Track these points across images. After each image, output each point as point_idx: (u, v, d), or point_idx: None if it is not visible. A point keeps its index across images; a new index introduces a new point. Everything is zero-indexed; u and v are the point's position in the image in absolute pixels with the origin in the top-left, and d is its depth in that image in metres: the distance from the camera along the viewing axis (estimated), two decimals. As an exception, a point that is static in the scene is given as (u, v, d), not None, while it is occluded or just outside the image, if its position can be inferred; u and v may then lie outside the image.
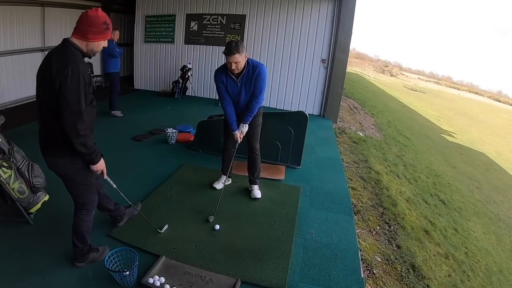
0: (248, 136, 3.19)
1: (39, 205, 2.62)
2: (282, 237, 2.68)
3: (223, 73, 2.96)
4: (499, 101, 43.30)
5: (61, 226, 2.60)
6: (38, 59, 7.04)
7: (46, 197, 2.71)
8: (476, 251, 4.24)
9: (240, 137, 3.12)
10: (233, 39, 3.01)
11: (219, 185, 3.45)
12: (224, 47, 2.79)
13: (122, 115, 6.16)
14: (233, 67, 2.80)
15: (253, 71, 2.90)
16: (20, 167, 2.53)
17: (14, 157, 2.52)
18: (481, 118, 21.97)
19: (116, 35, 6.02)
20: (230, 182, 3.56)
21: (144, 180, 3.55)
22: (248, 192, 3.37)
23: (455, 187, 6.75)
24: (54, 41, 7.23)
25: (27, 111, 6.08)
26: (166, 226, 2.64)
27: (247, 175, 3.40)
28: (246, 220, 2.90)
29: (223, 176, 3.45)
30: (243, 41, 7.27)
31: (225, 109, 3.09)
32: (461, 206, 5.73)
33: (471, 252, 4.11)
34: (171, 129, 4.75)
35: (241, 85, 2.96)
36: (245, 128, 3.11)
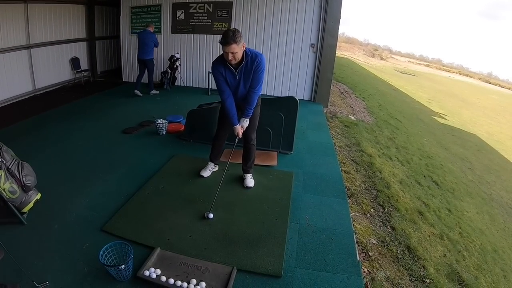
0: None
1: (31, 204, 2.60)
2: (276, 223, 2.68)
3: (221, 65, 2.81)
4: (489, 83, 43.65)
5: (55, 223, 2.59)
6: (24, 57, 6.96)
7: (38, 196, 2.69)
8: (470, 231, 4.29)
9: (241, 132, 3.04)
10: (230, 28, 2.85)
11: (206, 173, 3.42)
12: (221, 37, 2.65)
13: (158, 92, 7.33)
14: (230, 57, 2.65)
15: (252, 62, 2.76)
16: (10, 167, 2.49)
17: (3, 157, 2.48)
18: (472, 100, 22.11)
19: (152, 27, 7.03)
20: (217, 169, 3.53)
21: (135, 172, 3.52)
22: (241, 180, 3.34)
23: (448, 168, 6.79)
24: (39, 38, 7.26)
25: (14, 111, 6.01)
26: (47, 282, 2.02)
27: (240, 163, 3.37)
28: (240, 208, 2.89)
29: (210, 163, 3.44)
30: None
31: (224, 102, 2.94)
32: (454, 187, 5.78)
33: (465, 232, 4.15)
34: (161, 120, 4.69)
35: (240, 77, 2.84)
36: (246, 122, 3.02)
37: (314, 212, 2.93)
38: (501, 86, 42.16)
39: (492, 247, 4.18)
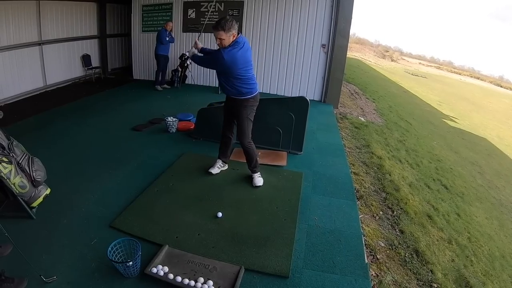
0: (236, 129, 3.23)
1: (40, 199, 2.60)
2: (285, 224, 2.67)
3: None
4: (501, 86, 43.00)
5: (64, 218, 2.61)
6: (35, 53, 7.04)
7: (48, 191, 2.69)
8: (478, 236, 4.23)
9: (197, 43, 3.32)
10: (228, 17, 2.93)
11: (215, 170, 3.43)
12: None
13: (162, 89, 7.58)
14: (217, 42, 2.84)
15: None
16: (20, 162, 2.50)
17: (14, 152, 2.50)
18: (483, 103, 21.81)
19: (168, 26, 7.30)
20: (226, 167, 3.54)
21: (145, 169, 3.54)
22: (250, 178, 3.34)
23: (457, 172, 6.71)
24: (51, 35, 7.34)
25: (25, 106, 6.08)
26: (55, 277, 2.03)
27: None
28: (249, 207, 2.88)
29: (218, 160, 3.45)
30: (241, 28, 7.17)
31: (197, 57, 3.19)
32: (464, 191, 5.71)
33: (474, 237, 4.10)
34: (171, 117, 4.71)
35: None
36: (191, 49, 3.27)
37: (323, 213, 2.92)
38: (512, 90, 41.50)
39: (501, 253, 4.12)
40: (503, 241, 4.66)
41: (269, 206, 2.91)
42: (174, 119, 4.69)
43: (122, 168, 3.56)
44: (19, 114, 5.36)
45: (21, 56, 6.64)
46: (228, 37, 2.80)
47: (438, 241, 3.43)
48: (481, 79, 46.74)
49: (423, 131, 9.08)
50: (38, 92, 7.10)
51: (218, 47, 2.91)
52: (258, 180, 3.28)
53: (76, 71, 8.39)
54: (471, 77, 47.26)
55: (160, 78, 7.58)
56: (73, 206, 2.78)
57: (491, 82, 45.63)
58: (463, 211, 4.79)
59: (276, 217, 2.75)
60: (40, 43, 7.12)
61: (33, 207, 2.59)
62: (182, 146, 4.23)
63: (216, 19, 7.91)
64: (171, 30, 7.37)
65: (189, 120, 5.00)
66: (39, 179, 2.58)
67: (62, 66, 7.90)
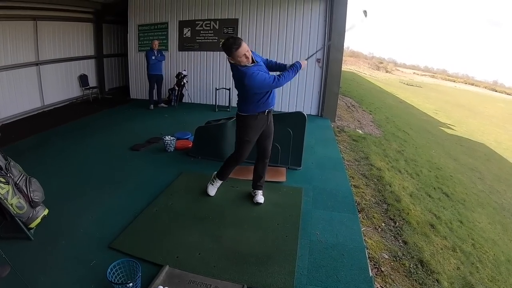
0: (267, 139, 3.14)
1: (38, 220, 2.59)
2: (287, 240, 2.64)
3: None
4: (496, 91, 43.42)
5: (62, 240, 2.58)
6: (33, 73, 7.10)
7: (46, 211, 2.68)
8: (483, 242, 4.21)
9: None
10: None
11: (213, 192, 3.35)
12: (226, 48, 2.69)
13: (152, 108, 7.57)
14: (247, 56, 2.70)
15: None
16: (17, 182, 2.50)
17: (11, 172, 2.49)
18: (479, 109, 22.00)
19: (154, 44, 7.31)
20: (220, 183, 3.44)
21: (143, 189, 3.52)
22: (250, 196, 3.32)
23: (458, 179, 6.72)
24: (48, 55, 7.39)
25: (23, 126, 6.09)
26: None
27: (249, 179, 3.34)
28: (250, 225, 2.86)
29: (219, 181, 3.33)
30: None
31: (281, 80, 2.81)
32: (465, 198, 5.70)
33: (478, 244, 4.07)
34: (169, 136, 4.70)
35: None
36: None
37: (324, 228, 2.89)
38: (507, 94, 41.91)
39: (506, 258, 4.09)
40: (508, 245, 4.64)
41: (270, 223, 2.89)
42: (171, 138, 4.69)
43: (121, 188, 3.55)
44: (16, 134, 5.38)
45: (19, 76, 6.70)
46: None
47: (442, 249, 3.40)
48: (475, 85, 47.19)
49: (421, 140, 9.12)
50: (35, 112, 7.13)
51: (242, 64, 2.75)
52: (261, 197, 3.24)
53: (73, 91, 8.45)
54: (466, 83, 47.74)
55: (153, 97, 7.60)
56: (71, 227, 2.75)
57: (485, 88, 46.07)
58: (465, 218, 4.78)
59: (278, 234, 2.72)
60: (37, 63, 7.20)
61: (31, 228, 2.57)
62: (181, 165, 4.21)
63: (211, 38, 8.03)
64: (158, 49, 7.41)
65: (187, 139, 5.00)
66: (37, 200, 2.58)
67: (60, 86, 7.95)
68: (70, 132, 5.69)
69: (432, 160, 7.32)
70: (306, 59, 3.11)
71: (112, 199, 3.28)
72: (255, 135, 3.02)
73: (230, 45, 2.66)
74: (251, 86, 2.72)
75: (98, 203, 3.18)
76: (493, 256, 3.94)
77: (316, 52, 3.86)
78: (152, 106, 7.61)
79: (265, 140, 3.13)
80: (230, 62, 2.81)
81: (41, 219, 2.61)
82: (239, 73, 2.74)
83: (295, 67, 2.90)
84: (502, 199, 6.74)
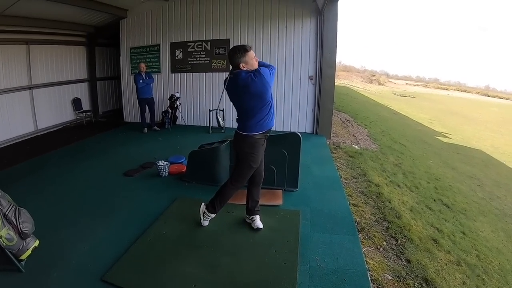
0: (262, 163, 3.05)
1: (29, 252, 2.53)
2: (285, 267, 2.55)
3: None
4: (488, 96, 44.12)
5: (54, 271, 2.51)
6: (26, 97, 7.12)
7: (36, 243, 2.61)
8: (487, 251, 4.14)
9: None
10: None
11: (207, 222, 3.19)
12: (239, 50, 2.68)
13: (146, 131, 7.45)
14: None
15: None
16: (6, 213, 2.45)
17: (0, 203, 2.45)
18: (473, 115, 22.21)
19: (141, 67, 7.18)
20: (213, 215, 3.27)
21: (137, 217, 3.44)
22: (245, 222, 3.23)
23: (457, 189, 6.67)
24: (41, 79, 7.40)
25: (16, 151, 6.07)
26: None
27: (243, 203, 3.23)
28: (246, 252, 2.76)
29: (212, 214, 3.13)
30: (227, 65, 7.29)
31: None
32: (466, 207, 5.65)
33: (483, 254, 4.01)
34: (162, 161, 4.63)
35: None
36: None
37: (324, 252, 2.81)
38: (499, 98, 42.56)
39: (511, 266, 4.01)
40: None
41: (268, 250, 2.79)
42: (165, 162, 4.62)
43: (113, 216, 3.47)
44: (9, 160, 5.35)
45: (12, 101, 6.70)
46: None
47: (446, 265, 3.31)
48: (468, 92, 47.96)
49: (418, 151, 9.11)
50: (29, 137, 7.11)
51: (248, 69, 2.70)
52: (260, 222, 3.14)
53: (67, 115, 8.45)
54: (458, 90, 48.49)
55: (145, 120, 7.51)
56: (63, 258, 2.68)
57: (478, 93, 46.83)
58: (468, 228, 4.71)
59: (276, 261, 2.63)
60: (30, 87, 7.22)
61: (22, 260, 2.52)
62: (175, 190, 4.13)
63: (203, 59, 8.07)
64: (147, 71, 7.31)
65: (181, 163, 4.92)
66: (27, 231, 2.52)
67: (53, 110, 7.95)
68: (63, 157, 5.65)
69: (430, 171, 7.28)
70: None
71: (105, 228, 3.20)
72: (260, 160, 2.94)
73: (243, 46, 2.68)
74: (268, 80, 2.64)
75: (90, 233, 3.10)
76: (499, 265, 3.88)
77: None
78: (145, 129, 7.49)
79: (261, 165, 3.05)
80: (239, 70, 2.69)
81: (32, 250, 2.55)
82: (247, 78, 2.63)
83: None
84: (503, 204, 6.67)
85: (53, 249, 2.77)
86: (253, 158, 2.84)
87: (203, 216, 3.15)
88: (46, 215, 3.29)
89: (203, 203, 3.18)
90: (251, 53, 2.68)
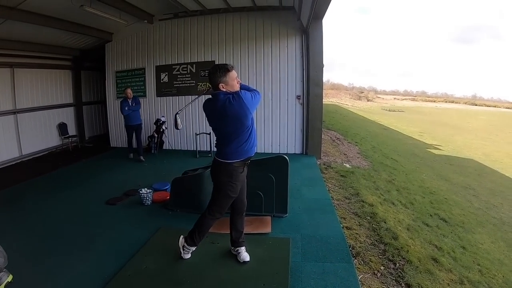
0: (243, 191, 2.86)
1: (2, 287, 2.43)
2: (275, 303, 2.34)
3: None
4: (476, 105, 45.16)
5: None
6: (10, 122, 7.00)
7: (10, 278, 2.50)
8: (489, 265, 4.04)
9: None
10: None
11: (188, 256, 2.99)
12: (220, 69, 2.50)
13: (131, 157, 7.12)
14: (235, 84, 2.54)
15: None
16: None
17: None
18: (462, 125, 22.65)
19: (127, 93, 6.75)
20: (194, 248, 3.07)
21: (117, 249, 3.25)
22: (231, 253, 3.02)
23: (453, 201, 6.61)
24: (26, 103, 7.25)
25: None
26: None
27: (228, 232, 3.01)
28: (232, 288, 2.54)
29: (192, 247, 2.95)
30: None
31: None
32: (463, 220, 5.58)
33: (485, 268, 3.89)
34: (146, 189, 4.45)
35: None
36: None
37: (317, 284, 2.63)
38: (487, 106, 43.56)
39: None
40: None
41: (255, 284, 2.59)
42: (148, 190, 4.43)
43: (93, 248, 3.30)
44: None
45: (-5, 125, 6.57)
46: None
47: (449, 285, 3.18)
48: (456, 102, 49.02)
49: (411, 166, 9.11)
50: (13, 162, 6.96)
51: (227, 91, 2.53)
52: (246, 254, 2.92)
53: (52, 140, 8.31)
54: (446, 102, 49.52)
55: (132, 145, 7.10)
56: None
57: (465, 103, 47.89)
58: (467, 242, 4.63)
59: (265, 297, 2.42)
60: (15, 112, 7.10)
61: None
62: (158, 219, 3.93)
63: (189, 82, 7.96)
64: (132, 97, 6.82)
65: (166, 190, 4.74)
66: None
67: (38, 135, 7.81)
68: (46, 185, 5.52)
69: (424, 185, 7.24)
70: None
71: (83, 262, 3.03)
72: (239, 189, 2.74)
73: (225, 65, 2.51)
74: (248, 105, 2.46)
75: (67, 267, 2.92)
76: (502, 278, 3.78)
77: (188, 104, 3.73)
78: (131, 154, 7.17)
79: (242, 193, 2.86)
80: (217, 91, 2.53)
81: (5, 286, 2.45)
82: (232, 100, 2.46)
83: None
84: (501, 213, 6.62)
85: (28, 285, 2.62)
86: (230, 187, 2.64)
87: (183, 249, 2.94)
88: (22, 248, 3.15)
89: (181, 236, 2.97)
90: (233, 74, 2.51)
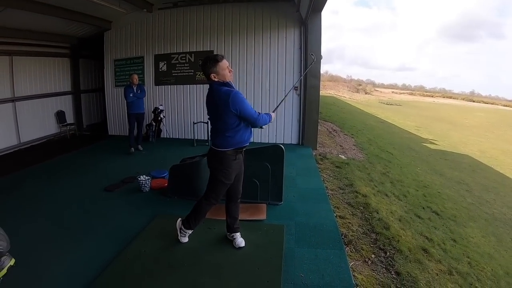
0: (239, 180, 2.95)
1: (4, 271, 2.48)
2: (268, 286, 2.44)
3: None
4: (473, 101, 45.13)
5: None
6: (8, 110, 6.98)
7: (12, 261, 2.55)
8: (478, 258, 4.11)
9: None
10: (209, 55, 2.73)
11: (186, 239, 3.09)
12: (210, 60, 2.60)
13: (133, 151, 6.72)
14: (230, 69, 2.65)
15: None
16: None
17: None
18: (459, 121, 22.62)
19: (133, 79, 6.47)
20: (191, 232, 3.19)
21: (116, 235, 3.31)
22: (227, 238, 3.10)
23: (446, 195, 6.67)
24: (24, 91, 7.24)
25: None
26: None
27: (224, 219, 3.10)
28: (228, 271, 2.64)
29: (189, 231, 3.04)
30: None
31: (261, 117, 2.74)
32: (455, 214, 5.64)
33: (474, 261, 3.97)
34: (144, 176, 4.50)
35: None
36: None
37: (309, 268, 2.71)
38: (484, 103, 43.57)
39: (504, 271, 3.99)
40: (504, 256, 4.56)
41: (250, 268, 2.68)
42: (146, 177, 4.49)
43: (92, 233, 3.36)
44: None
45: (-7, 113, 6.56)
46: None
47: (438, 275, 3.24)
48: (453, 98, 48.95)
49: (405, 159, 9.14)
50: (12, 150, 6.96)
51: (221, 80, 2.63)
52: (241, 240, 3.02)
53: (50, 128, 8.31)
54: (444, 97, 49.42)
55: (133, 139, 6.76)
56: (40, 278, 2.58)
57: (463, 99, 47.83)
58: (458, 235, 4.69)
59: (259, 280, 2.52)
60: (13, 100, 7.08)
61: None
62: (156, 206, 4.00)
63: (187, 71, 7.94)
64: (138, 84, 6.57)
65: (164, 177, 4.79)
66: (1, 250, 2.45)
67: (36, 123, 7.81)
68: (44, 172, 5.53)
69: (418, 178, 7.29)
70: (273, 111, 3.06)
71: (83, 246, 3.09)
72: (234, 176, 2.82)
73: (215, 56, 2.60)
74: (236, 108, 2.54)
75: (68, 251, 2.98)
76: (491, 271, 3.84)
77: (282, 101, 3.76)
78: (132, 149, 6.74)
79: (238, 182, 2.94)
80: (211, 81, 2.63)
81: (7, 269, 2.49)
82: (222, 93, 2.56)
83: (269, 115, 2.85)
84: (493, 209, 6.70)
85: (29, 268, 2.69)
86: (224, 174, 2.73)
87: (180, 232, 3.04)
88: (24, 233, 3.22)
89: (179, 219, 3.07)
90: (223, 63, 2.59)
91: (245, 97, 2.65)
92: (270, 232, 3.26)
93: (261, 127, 2.80)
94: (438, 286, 3.02)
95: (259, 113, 2.72)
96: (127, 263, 2.77)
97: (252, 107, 2.69)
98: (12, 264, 2.53)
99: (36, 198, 4.33)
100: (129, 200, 4.25)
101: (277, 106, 3.39)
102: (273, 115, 2.93)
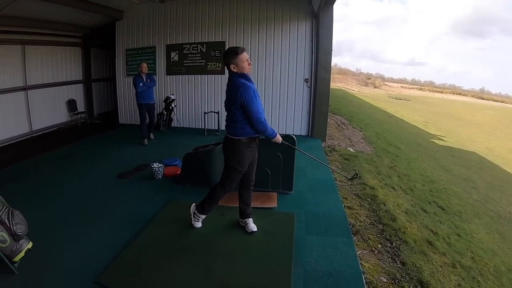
0: (253, 167, 3.04)
1: (22, 253, 2.51)
2: (280, 270, 2.54)
3: (251, 82, 2.76)
4: (483, 99, 44.53)
5: (47, 274, 2.49)
6: (20, 98, 7.06)
7: (30, 245, 2.60)
8: (482, 253, 4.17)
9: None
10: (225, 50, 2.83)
11: (199, 224, 3.19)
12: (230, 52, 2.70)
13: (146, 143, 6.57)
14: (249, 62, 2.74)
15: None
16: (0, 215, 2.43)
17: None
18: (468, 118, 22.43)
19: (142, 68, 6.34)
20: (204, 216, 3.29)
21: (130, 219, 3.41)
22: (239, 224, 3.21)
23: (452, 191, 6.71)
24: (36, 80, 7.34)
25: (10, 153, 6.02)
26: None
27: (237, 206, 3.20)
28: (240, 256, 2.74)
29: (202, 215, 3.14)
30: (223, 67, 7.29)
31: (265, 122, 2.79)
32: (461, 210, 5.68)
33: (478, 256, 4.03)
34: (157, 163, 4.60)
35: None
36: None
37: (318, 255, 2.80)
38: (494, 101, 43.01)
39: (507, 267, 4.05)
40: (507, 254, 4.61)
41: (262, 253, 2.78)
42: (159, 165, 4.58)
43: (107, 218, 3.44)
44: (3, 161, 5.31)
45: (6, 101, 6.65)
46: None
47: (441, 267, 3.33)
48: (463, 95, 48.38)
49: (413, 154, 9.15)
50: (23, 138, 7.06)
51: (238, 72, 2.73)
52: (254, 225, 3.13)
53: (61, 116, 8.40)
54: (453, 94, 48.87)
55: (145, 130, 6.63)
56: (57, 261, 2.65)
57: (473, 96, 47.26)
58: (463, 231, 4.74)
59: (270, 264, 2.61)
60: (25, 88, 7.17)
61: (15, 262, 2.50)
62: (169, 193, 4.10)
63: (199, 61, 7.97)
64: (147, 73, 6.44)
65: (176, 165, 4.89)
66: (20, 233, 2.50)
67: (48, 112, 7.90)
68: (57, 159, 5.61)
69: (425, 174, 7.32)
70: (282, 139, 3.06)
71: (99, 231, 3.17)
72: (248, 164, 2.92)
73: (235, 48, 2.71)
74: (242, 99, 2.64)
75: (83, 235, 3.06)
76: (494, 267, 3.90)
77: (294, 147, 3.65)
78: (146, 141, 6.61)
79: (251, 169, 3.03)
80: (231, 72, 2.75)
81: (25, 252, 2.54)
82: (236, 85, 2.68)
83: (274, 130, 2.91)
84: (498, 207, 6.74)
85: (47, 251, 2.75)
86: (237, 161, 2.83)
87: (194, 216, 3.15)
88: (39, 217, 3.27)
89: (193, 204, 3.18)
90: (243, 56, 2.69)
91: (256, 88, 2.76)
92: (281, 220, 3.35)
93: (259, 133, 2.85)
94: (442, 278, 3.08)
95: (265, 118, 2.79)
96: (143, 247, 2.87)
97: (263, 102, 2.78)
98: (30, 248, 2.59)
99: (50, 184, 4.39)
100: (142, 187, 4.34)
101: (287, 143, 3.30)
102: (278, 136, 2.96)
